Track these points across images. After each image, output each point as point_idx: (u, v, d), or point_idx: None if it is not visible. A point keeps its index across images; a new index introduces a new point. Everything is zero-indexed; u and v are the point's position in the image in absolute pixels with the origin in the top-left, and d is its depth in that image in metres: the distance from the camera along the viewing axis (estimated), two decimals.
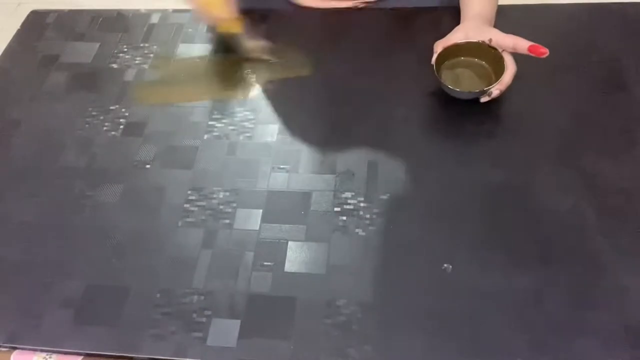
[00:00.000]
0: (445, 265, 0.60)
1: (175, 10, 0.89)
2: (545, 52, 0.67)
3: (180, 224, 0.65)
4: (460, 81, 0.72)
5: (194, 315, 0.58)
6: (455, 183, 0.66)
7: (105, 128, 0.75)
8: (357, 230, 0.63)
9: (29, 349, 0.58)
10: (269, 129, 0.73)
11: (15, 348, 0.58)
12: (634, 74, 0.74)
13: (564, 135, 0.69)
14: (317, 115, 0.74)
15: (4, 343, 0.58)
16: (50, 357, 0.58)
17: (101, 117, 0.77)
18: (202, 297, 0.59)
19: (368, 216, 0.64)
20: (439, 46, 0.73)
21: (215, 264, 0.62)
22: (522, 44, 0.68)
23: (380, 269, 0.60)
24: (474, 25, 0.73)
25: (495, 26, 0.72)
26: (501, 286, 0.58)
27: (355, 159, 0.69)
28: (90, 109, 0.78)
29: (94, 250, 0.64)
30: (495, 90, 0.69)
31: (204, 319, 0.58)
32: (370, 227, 0.63)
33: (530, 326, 0.55)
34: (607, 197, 0.63)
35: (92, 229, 0.66)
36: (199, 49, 0.83)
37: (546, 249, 0.60)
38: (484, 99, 0.70)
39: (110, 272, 0.62)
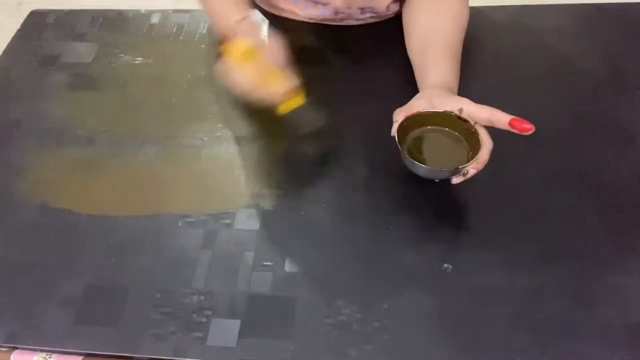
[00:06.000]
0: (445, 265, 0.60)
1: (175, 11, 0.89)
2: (530, 128, 0.56)
3: (180, 224, 0.65)
4: (429, 154, 0.61)
5: (194, 315, 0.58)
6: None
7: (104, 128, 0.75)
8: (357, 230, 0.63)
9: (29, 349, 0.58)
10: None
11: (15, 348, 0.58)
12: (634, 74, 0.74)
13: (564, 135, 0.69)
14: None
15: (4, 343, 0.58)
16: (50, 357, 0.58)
17: (101, 117, 0.77)
18: (202, 297, 0.59)
19: (368, 216, 0.64)
20: (400, 115, 0.62)
21: (215, 264, 0.62)
22: (501, 117, 0.57)
23: (380, 269, 0.60)
24: (439, 93, 0.62)
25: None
26: (501, 286, 0.58)
27: (354, 159, 0.69)
28: (90, 108, 0.78)
29: (94, 250, 0.64)
30: (472, 169, 0.59)
31: (204, 319, 0.58)
32: (370, 227, 0.63)
33: (530, 326, 0.55)
34: (607, 197, 0.63)
35: (92, 229, 0.66)
36: (198, 48, 0.84)
37: (546, 248, 0.60)
38: (456, 180, 0.60)
39: (110, 272, 0.62)
